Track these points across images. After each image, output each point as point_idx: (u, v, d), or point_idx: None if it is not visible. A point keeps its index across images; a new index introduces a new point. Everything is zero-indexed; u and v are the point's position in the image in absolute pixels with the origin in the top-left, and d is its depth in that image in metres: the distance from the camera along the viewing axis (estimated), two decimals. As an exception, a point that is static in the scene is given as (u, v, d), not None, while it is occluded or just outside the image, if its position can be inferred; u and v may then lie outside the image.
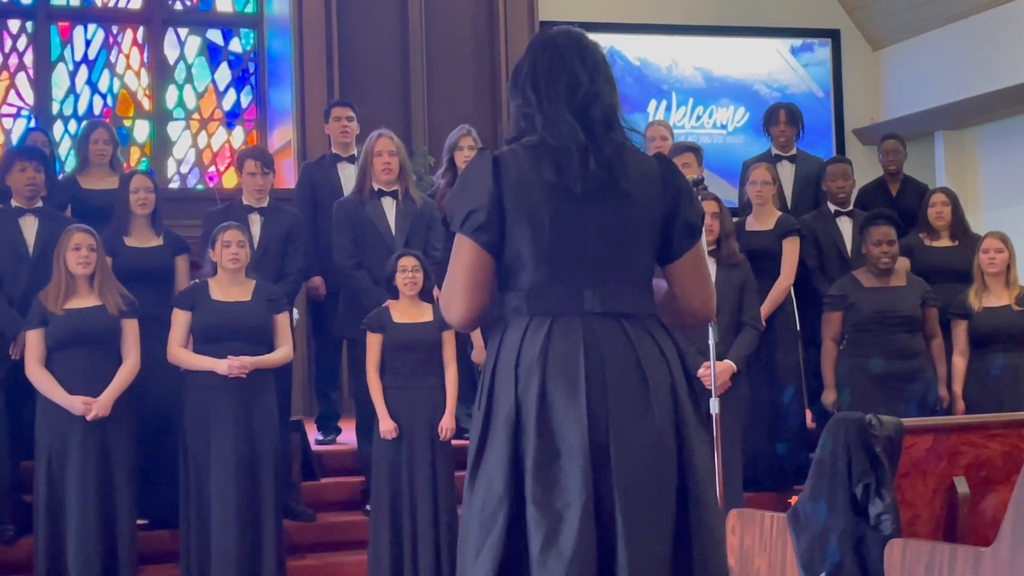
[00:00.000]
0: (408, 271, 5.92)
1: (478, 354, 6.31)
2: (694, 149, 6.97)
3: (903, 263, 6.74)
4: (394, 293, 5.98)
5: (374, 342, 5.94)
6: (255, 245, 6.38)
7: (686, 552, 2.69)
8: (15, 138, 9.14)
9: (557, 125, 2.75)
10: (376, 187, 6.51)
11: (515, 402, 2.71)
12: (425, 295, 6.03)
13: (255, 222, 6.45)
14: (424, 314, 5.97)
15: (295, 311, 6.35)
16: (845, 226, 7.20)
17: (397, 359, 5.92)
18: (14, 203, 6.21)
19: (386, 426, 5.83)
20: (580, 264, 2.74)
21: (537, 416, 2.68)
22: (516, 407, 2.70)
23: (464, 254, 2.76)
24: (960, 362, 6.58)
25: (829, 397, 6.55)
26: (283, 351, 5.95)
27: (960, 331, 6.59)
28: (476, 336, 6.30)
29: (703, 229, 2.90)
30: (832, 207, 7.27)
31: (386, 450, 5.84)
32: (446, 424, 5.88)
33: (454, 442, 5.97)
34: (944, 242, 7.10)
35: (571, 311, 2.73)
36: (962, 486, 4.00)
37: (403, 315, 5.94)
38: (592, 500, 2.62)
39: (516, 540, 2.66)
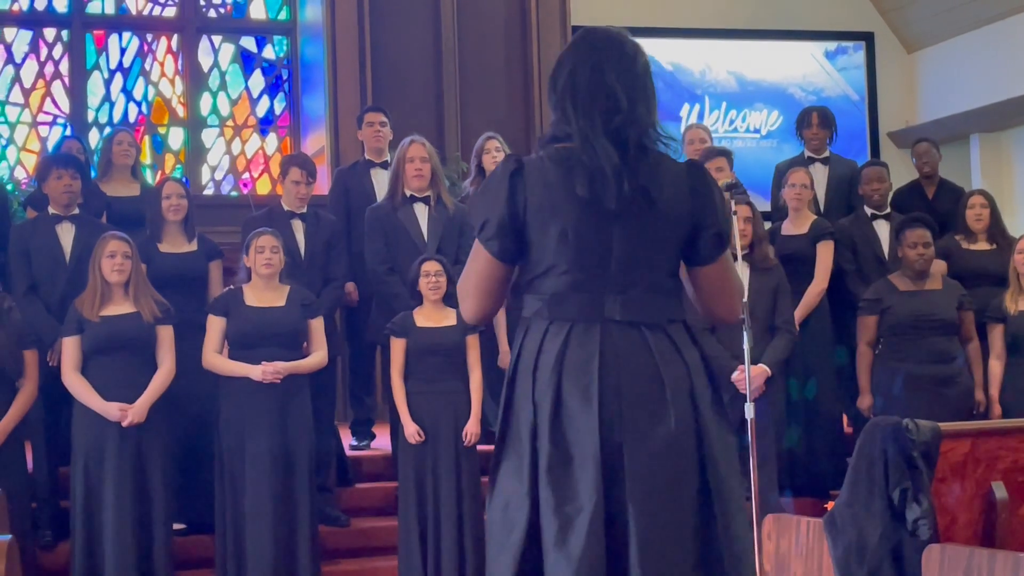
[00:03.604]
0: (431, 275, 5.92)
1: (504, 358, 6.30)
2: (725, 153, 6.98)
3: (939, 266, 6.70)
4: (418, 298, 5.99)
5: (398, 347, 5.95)
6: (301, 251, 6.42)
7: (715, 552, 2.71)
8: (51, 146, 9.21)
9: (592, 145, 2.76)
10: (408, 193, 6.52)
11: (533, 405, 2.75)
12: (449, 300, 6.04)
13: (298, 228, 6.49)
14: (448, 318, 5.97)
15: None
16: (882, 229, 7.16)
17: (421, 363, 5.92)
18: (51, 210, 6.24)
19: (410, 429, 5.83)
20: (603, 272, 2.77)
21: (551, 421, 2.71)
22: (534, 410, 2.74)
23: (477, 260, 2.84)
24: (996, 366, 6.53)
25: (865, 402, 6.51)
26: (318, 356, 5.97)
27: (996, 335, 6.54)
28: (503, 340, 6.30)
29: (730, 237, 2.92)
30: (868, 210, 7.23)
31: (411, 454, 5.85)
32: (471, 429, 5.88)
33: (479, 447, 5.97)
34: (981, 245, 7.05)
35: (591, 318, 2.76)
36: (1000, 491, 3.97)
37: (427, 319, 5.94)
38: (603, 504, 2.65)
39: (537, 543, 2.69)
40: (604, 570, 2.63)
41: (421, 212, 6.53)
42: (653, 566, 2.64)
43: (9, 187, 8.01)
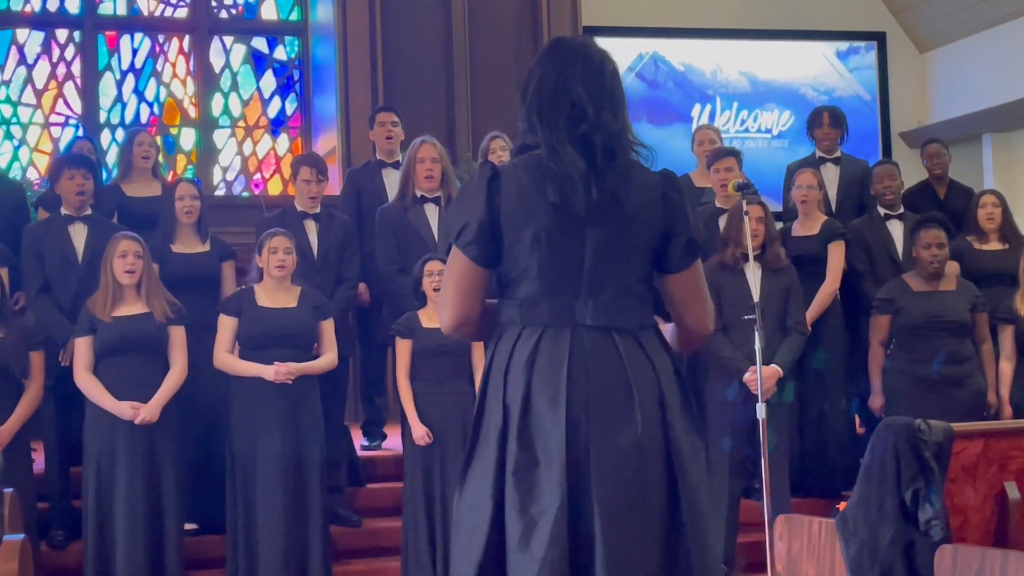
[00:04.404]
0: (435, 275, 5.87)
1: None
2: (734, 153, 6.99)
3: (953, 267, 6.67)
4: (422, 298, 5.98)
5: (404, 348, 5.93)
6: (314, 251, 6.42)
7: (682, 559, 2.73)
8: (63, 147, 9.22)
9: (559, 153, 2.79)
10: (419, 193, 6.53)
11: (503, 408, 2.77)
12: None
13: (311, 228, 6.50)
14: (453, 319, 5.94)
15: None
16: (896, 229, 7.13)
17: (427, 364, 5.91)
18: (63, 211, 6.26)
19: (418, 432, 5.81)
20: (574, 278, 2.80)
21: (519, 424, 2.74)
22: (504, 414, 2.77)
23: (454, 265, 2.86)
24: (1007, 367, 6.51)
25: (876, 402, 6.50)
26: (328, 358, 5.97)
27: (1006, 336, 6.52)
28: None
29: (702, 247, 2.92)
30: (882, 210, 7.21)
31: (418, 455, 5.84)
32: None
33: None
34: (994, 245, 7.03)
35: (562, 322, 2.79)
36: (1013, 491, 3.96)
37: (431, 320, 5.89)
38: (566, 507, 2.67)
39: (498, 545, 2.71)
40: (566, 572, 2.65)
41: (432, 212, 6.53)
42: (618, 569, 2.65)
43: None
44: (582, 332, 2.77)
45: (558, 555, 2.64)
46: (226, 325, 5.87)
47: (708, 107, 10.52)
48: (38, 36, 9.63)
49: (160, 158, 9.31)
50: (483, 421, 2.83)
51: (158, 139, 9.37)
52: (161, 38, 9.88)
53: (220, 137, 9.96)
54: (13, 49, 9.56)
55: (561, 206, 2.76)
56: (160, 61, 9.85)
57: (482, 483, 2.76)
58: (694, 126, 9.68)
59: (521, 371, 2.76)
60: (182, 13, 9.91)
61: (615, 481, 2.69)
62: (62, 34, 9.67)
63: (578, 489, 2.68)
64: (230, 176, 9.98)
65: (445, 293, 2.89)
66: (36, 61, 9.62)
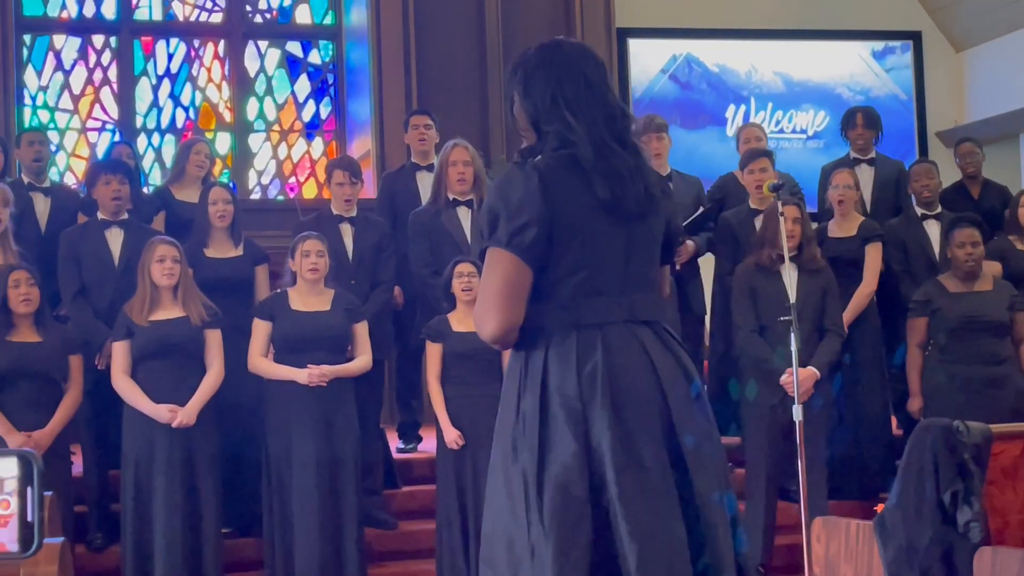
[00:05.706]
0: (464, 277, 5.87)
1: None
2: (768, 154, 6.97)
3: (994, 267, 6.61)
4: (452, 300, 5.98)
5: (434, 351, 5.92)
6: (349, 254, 6.44)
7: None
8: (100, 152, 9.29)
9: (605, 151, 2.79)
10: (451, 196, 6.54)
11: (582, 409, 2.73)
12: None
13: (346, 232, 6.52)
14: (483, 321, 5.93)
15: None
16: (932, 230, 7.07)
17: (458, 368, 5.88)
18: (100, 215, 6.30)
19: (451, 436, 5.80)
20: (617, 276, 2.81)
21: (614, 432, 2.70)
22: (584, 415, 2.73)
23: (503, 269, 2.77)
24: (1046, 368, 6.46)
25: (915, 404, 6.45)
26: (362, 360, 5.98)
27: (1046, 337, 6.47)
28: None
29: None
30: (919, 211, 7.16)
31: (451, 458, 5.84)
32: None
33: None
34: (1036, 244, 6.97)
35: (614, 319, 2.79)
36: (1053, 493, 3.93)
37: (461, 323, 5.88)
38: (678, 502, 2.70)
39: (604, 544, 2.69)
40: (689, 562, 2.68)
41: (464, 215, 6.54)
42: (723, 551, 2.75)
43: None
44: (634, 328, 2.79)
45: (678, 543, 2.68)
46: (259, 329, 5.89)
47: (743, 108, 10.48)
48: (75, 42, 9.69)
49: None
50: (550, 419, 2.75)
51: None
52: (196, 43, 9.93)
53: (255, 141, 10.00)
54: (50, 55, 9.63)
55: (611, 203, 2.77)
56: (195, 66, 9.90)
57: (570, 485, 2.70)
58: (728, 127, 9.67)
59: (597, 375, 2.72)
60: (217, 18, 9.96)
61: (706, 468, 2.76)
62: (98, 40, 9.73)
63: (680, 483, 2.73)
64: (265, 180, 10.02)
65: (490, 300, 2.79)
66: (73, 67, 9.68)
